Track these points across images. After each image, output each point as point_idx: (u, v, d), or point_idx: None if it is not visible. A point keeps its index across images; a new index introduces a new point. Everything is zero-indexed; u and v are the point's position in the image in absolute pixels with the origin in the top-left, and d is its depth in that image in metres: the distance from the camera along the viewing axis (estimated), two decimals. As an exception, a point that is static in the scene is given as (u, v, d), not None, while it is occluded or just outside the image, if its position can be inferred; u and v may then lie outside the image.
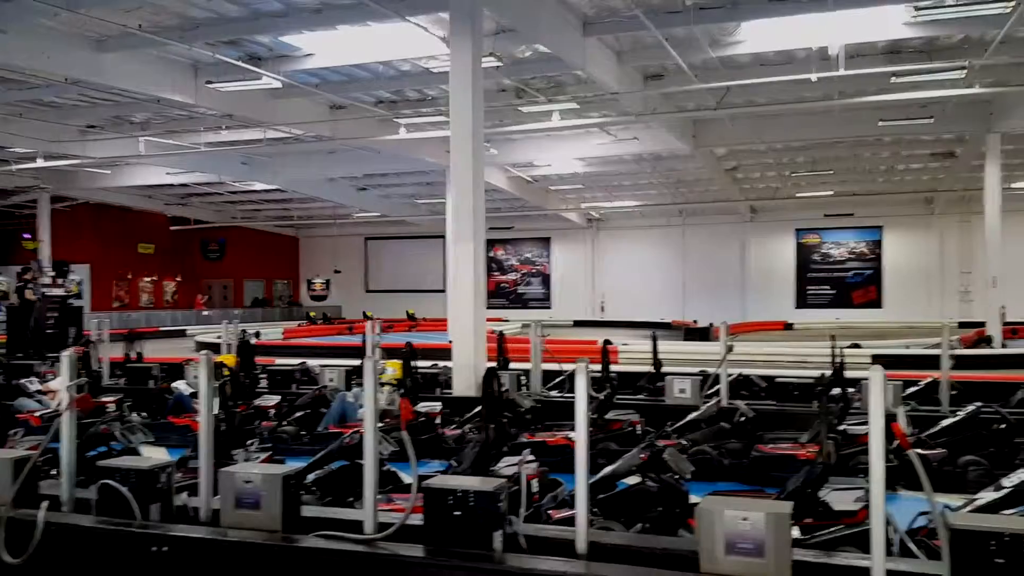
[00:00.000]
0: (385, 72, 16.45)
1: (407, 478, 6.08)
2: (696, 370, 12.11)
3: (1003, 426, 8.53)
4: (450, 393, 11.47)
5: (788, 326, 33.15)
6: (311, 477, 6.63)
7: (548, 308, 38.94)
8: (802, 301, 35.53)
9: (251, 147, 22.04)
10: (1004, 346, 20.56)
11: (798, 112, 19.15)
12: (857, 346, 20.64)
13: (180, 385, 11.30)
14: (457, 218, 11.44)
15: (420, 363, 11.77)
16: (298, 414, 10.44)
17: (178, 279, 39.59)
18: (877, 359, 17.84)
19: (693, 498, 6.03)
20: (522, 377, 11.80)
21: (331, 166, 26.00)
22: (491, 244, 40.10)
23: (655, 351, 12.43)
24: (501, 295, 40.58)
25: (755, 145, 22.90)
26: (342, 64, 15.65)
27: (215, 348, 16.13)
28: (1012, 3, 11.18)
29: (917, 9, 11.88)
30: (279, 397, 10.96)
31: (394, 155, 22.23)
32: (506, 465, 6.30)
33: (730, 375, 10.89)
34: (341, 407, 9.81)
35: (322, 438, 9.00)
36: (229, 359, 11.70)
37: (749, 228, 35.87)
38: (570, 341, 23.83)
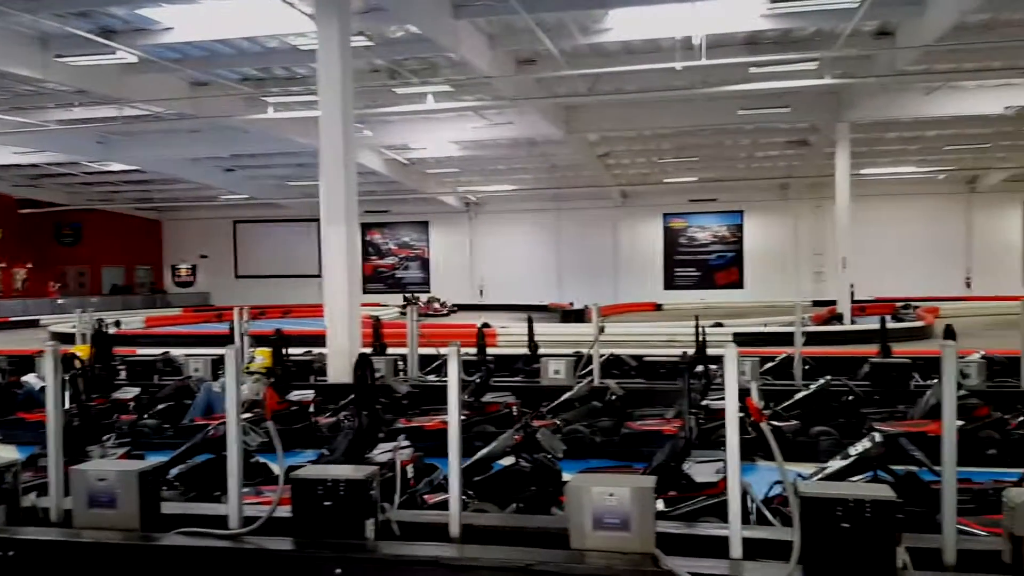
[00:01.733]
0: (250, 48, 15.83)
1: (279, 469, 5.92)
2: (571, 351, 12.37)
3: (851, 398, 9.17)
4: (325, 380, 11.27)
5: (658, 307, 34.36)
6: (174, 472, 6.37)
7: (427, 292, 38.81)
8: (670, 283, 36.88)
9: (107, 125, 20.74)
10: (853, 323, 22.04)
11: (664, 100, 19.77)
12: (720, 325, 21.65)
13: (31, 378, 10.60)
14: (329, 200, 11.19)
15: (293, 350, 11.49)
16: (160, 407, 9.98)
17: (29, 266, 36.96)
18: (738, 337, 18.81)
19: (566, 476, 6.17)
20: (399, 362, 11.71)
21: (194, 146, 24.83)
22: (368, 228, 39.54)
23: (531, 333, 12.62)
24: (379, 280, 40.09)
25: (625, 132, 23.51)
26: (204, 39, 14.94)
27: (70, 338, 15.16)
28: (859, -1, 11.91)
29: (773, 2, 12.46)
30: (139, 389, 10.47)
31: (263, 135, 21.46)
32: (381, 452, 6.25)
33: (602, 355, 11.19)
34: (207, 398, 9.45)
35: (187, 431, 8.63)
36: (83, 350, 11.02)
37: (620, 212, 36.86)
38: (448, 325, 23.91)
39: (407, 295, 32.62)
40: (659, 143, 26.07)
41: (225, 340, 13.33)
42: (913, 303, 26.56)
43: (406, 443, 6.20)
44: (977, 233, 33.31)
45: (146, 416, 9.75)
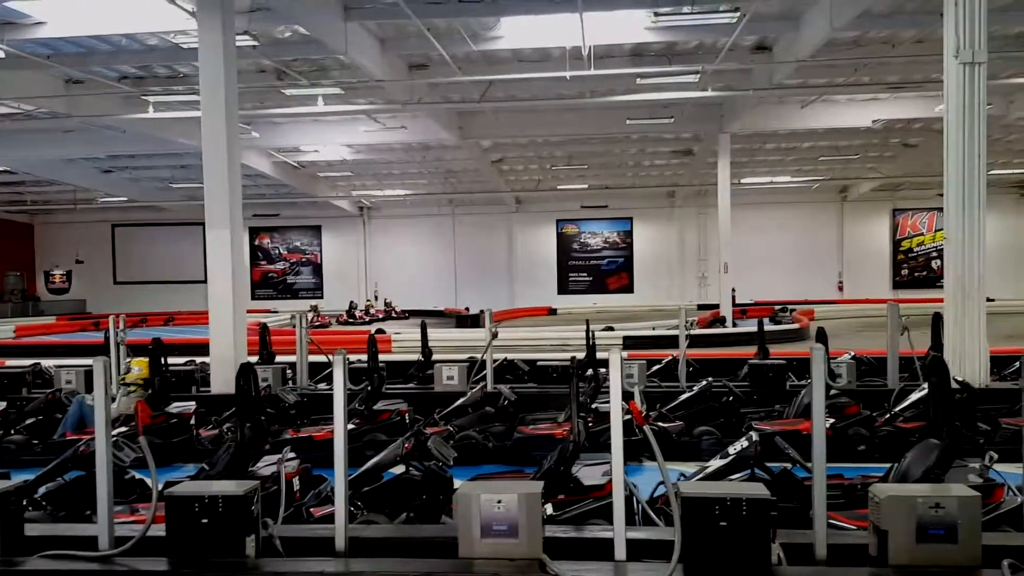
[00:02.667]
0: (129, 46, 15.12)
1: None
2: (466, 357, 12.38)
3: (731, 398, 9.53)
4: (208, 391, 10.86)
5: (552, 311, 34.80)
6: (42, 491, 6.01)
7: (320, 298, 38.02)
8: (564, 287, 37.43)
9: (-30, 123, 19.41)
10: (735, 325, 22.94)
11: (556, 108, 20.08)
12: (611, 329, 22.14)
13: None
14: (212, 203, 10.81)
15: (175, 360, 11.03)
16: (29, 421, 9.41)
17: None
18: (628, 340, 19.28)
19: (458, 483, 6.14)
20: (288, 371, 11.42)
21: (69, 146, 23.47)
22: (257, 232, 38.43)
23: (424, 339, 12.54)
24: (268, 285, 39.04)
25: (518, 138, 23.73)
26: (79, 35, 14.16)
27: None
28: (738, 14, 12.42)
29: (657, 15, 12.84)
30: (5, 403, 9.83)
31: (143, 135, 20.53)
32: (265, 465, 6.07)
33: (496, 360, 11.24)
34: (79, 412, 8.95)
35: (57, 447, 8.15)
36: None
37: (515, 218, 37.17)
38: (340, 332, 23.48)
39: (313, 305, 31.82)
40: (551, 150, 26.44)
41: (101, 350, 12.73)
42: (790, 306, 27.87)
43: (292, 455, 6.04)
44: (848, 240, 35.27)
45: (12, 431, 9.16)
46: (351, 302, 32.78)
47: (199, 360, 11.90)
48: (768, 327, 20.14)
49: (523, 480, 5.86)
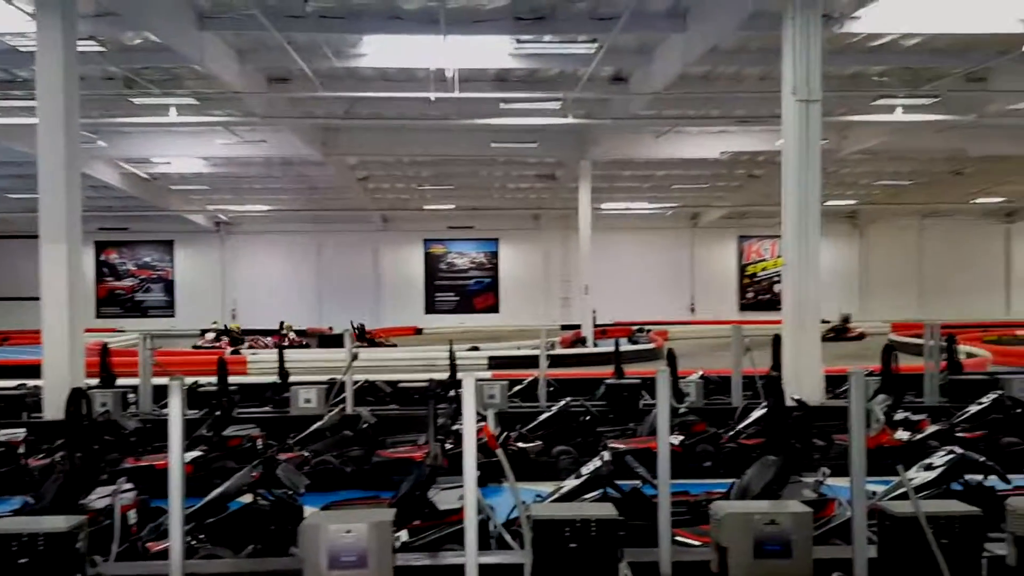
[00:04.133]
0: (-41, 46, 13.95)
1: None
2: (326, 378, 12.09)
3: (588, 418, 9.75)
4: (40, 417, 10.08)
5: (419, 331, 34.60)
6: None
7: (172, 317, 36.16)
8: (431, 307, 37.29)
9: None
10: (596, 345, 23.55)
11: (421, 128, 20.04)
12: (476, 348, 22.25)
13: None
14: (48, 215, 10.12)
15: (3, 383, 10.21)
16: None
17: None
18: (493, 360, 19.43)
19: (310, 511, 5.95)
20: (131, 394, 10.79)
21: None
22: (103, 247, 36.22)
23: (281, 360, 12.18)
24: (116, 303, 36.81)
25: (384, 156, 23.52)
26: None
27: None
28: (596, 45, 12.85)
29: (519, 42, 13.09)
30: None
31: (-27, 141, 18.95)
32: (99, 497, 5.67)
33: (356, 382, 11.04)
34: None
35: None
36: None
37: (382, 237, 36.78)
38: (190, 352, 22.41)
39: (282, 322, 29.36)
40: (418, 170, 26.36)
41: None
42: (647, 327, 28.91)
43: (129, 485, 5.67)
44: (699, 264, 37.04)
45: None
46: (282, 323, 30.38)
47: (31, 383, 11.05)
48: (626, 347, 20.94)
49: (379, 506, 5.75)
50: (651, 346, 23.53)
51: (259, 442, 8.75)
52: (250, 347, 24.46)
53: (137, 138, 21.07)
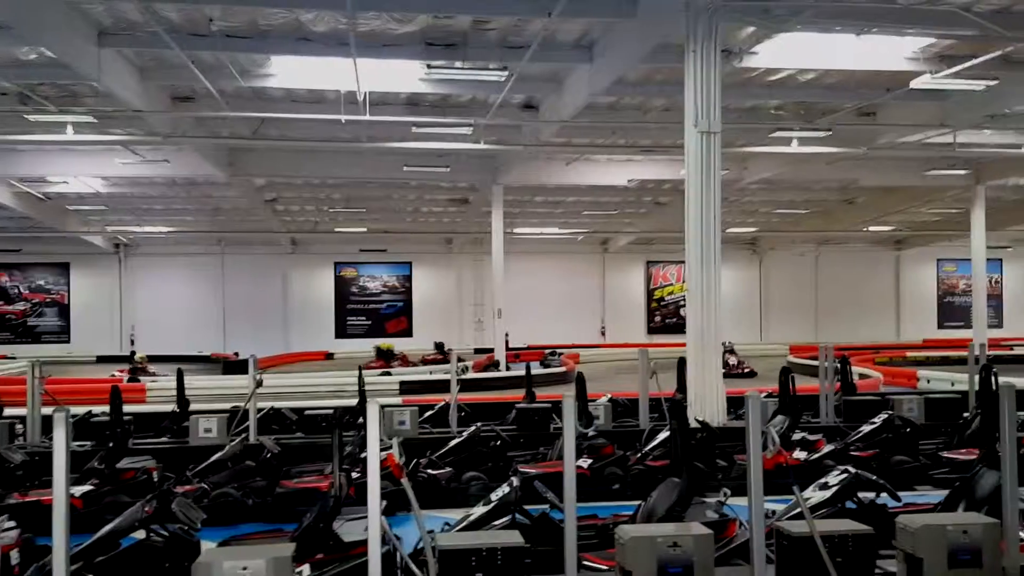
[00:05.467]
0: None
1: None
2: (230, 406, 11.71)
3: (499, 443, 9.73)
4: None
5: (329, 356, 33.96)
6: None
7: (66, 342, 34.48)
8: (342, 331, 36.67)
9: None
10: (508, 369, 23.60)
11: (332, 151, 19.83)
12: (388, 373, 22.01)
13: None
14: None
15: None
16: None
17: None
18: (405, 385, 19.23)
19: (208, 546, 5.74)
20: (18, 425, 10.20)
21: None
22: (-8, 269, 34.40)
23: (180, 388, 11.71)
24: (6, 328, 34.94)
25: (293, 178, 23.13)
26: None
27: None
28: (507, 72, 13.01)
29: (430, 67, 13.14)
30: None
31: None
32: (-23, 537, 5.33)
33: (261, 410, 10.73)
34: None
35: None
36: None
37: (290, 260, 36.06)
38: (83, 380, 21.33)
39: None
40: (329, 192, 26.02)
41: None
42: (559, 350, 29.16)
43: (11, 523, 5.36)
44: (609, 288, 37.68)
45: None
46: (133, 352, 28.73)
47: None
48: (539, 370, 21.07)
49: (281, 540, 5.59)
50: (563, 369, 23.73)
51: (155, 474, 8.38)
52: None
53: (32, 156, 20.16)
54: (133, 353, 29.02)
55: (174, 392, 11.93)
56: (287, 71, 13.96)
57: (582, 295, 36.86)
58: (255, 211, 27.87)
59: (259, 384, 10.01)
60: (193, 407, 11.59)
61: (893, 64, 13.35)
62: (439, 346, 29.86)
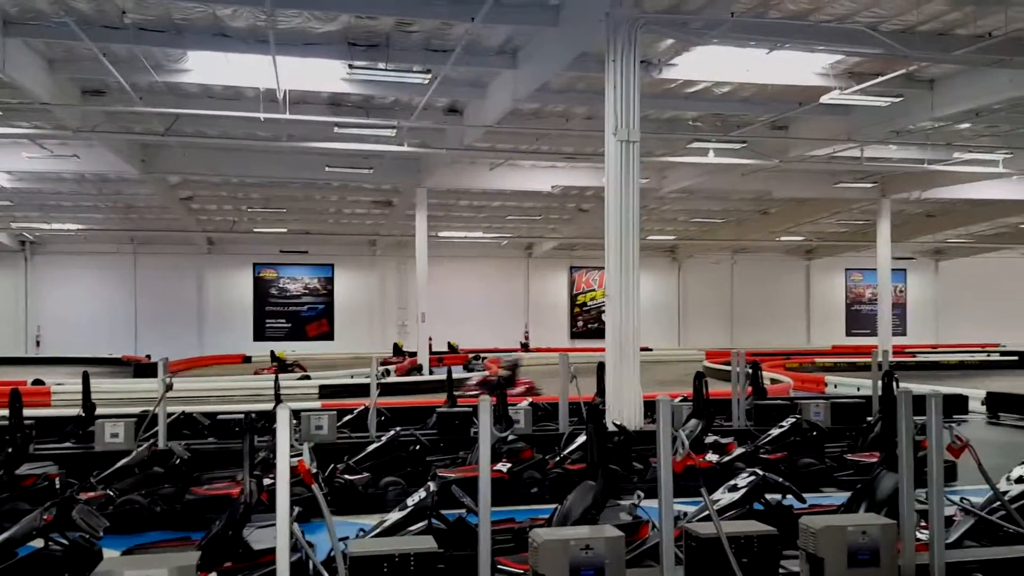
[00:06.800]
0: None
1: None
2: (140, 410, 11.33)
3: (418, 447, 9.68)
4: None
5: (247, 359, 33.19)
6: None
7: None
8: (260, 334, 35.91)
9: None
10: (431, 373, 23.48)
11: (250, 149, 19.43)
12: (307, 377, 21.60)
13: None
14: None
15: None
16: None
17: None
18: (324, 389, 18.92)
19: (111, 555, 5.55)
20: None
21: None
22: None
23: (86, 391, 11.26)
24: None
25: (210, 177, 22.56)
26: None
27: None
28: (430, 76, 12.98)
29: (352, 67, 12.99)
30: None
31: None
32: None
33: (172, 414, 10.40)
34: None
35: None
36: None
37: (207, 260, 35.15)
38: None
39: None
40: (247, 191, 25.45)
41: None
42: (483, 354, 29.18)
43: None
44: (534, 293, 37.98)
45: None
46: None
47: None
48: (461, 375, 21.02)
49: (187, 548, 5.43)
50: (486, 373, 23.74)
51: (57, 481, 8.03)
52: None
53: (-72, 149, 19.12)
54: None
55: (80, 396, 11.47)
56: (204, 66, 13.62)
57: (507, 299, 37.09)
58: (170, 209, 27.07)
59: (169, 387, 9.70)
60: (100, 411, 11.17)
61: (804, 79, 13.87)
62: (397, 348, 29.50)
